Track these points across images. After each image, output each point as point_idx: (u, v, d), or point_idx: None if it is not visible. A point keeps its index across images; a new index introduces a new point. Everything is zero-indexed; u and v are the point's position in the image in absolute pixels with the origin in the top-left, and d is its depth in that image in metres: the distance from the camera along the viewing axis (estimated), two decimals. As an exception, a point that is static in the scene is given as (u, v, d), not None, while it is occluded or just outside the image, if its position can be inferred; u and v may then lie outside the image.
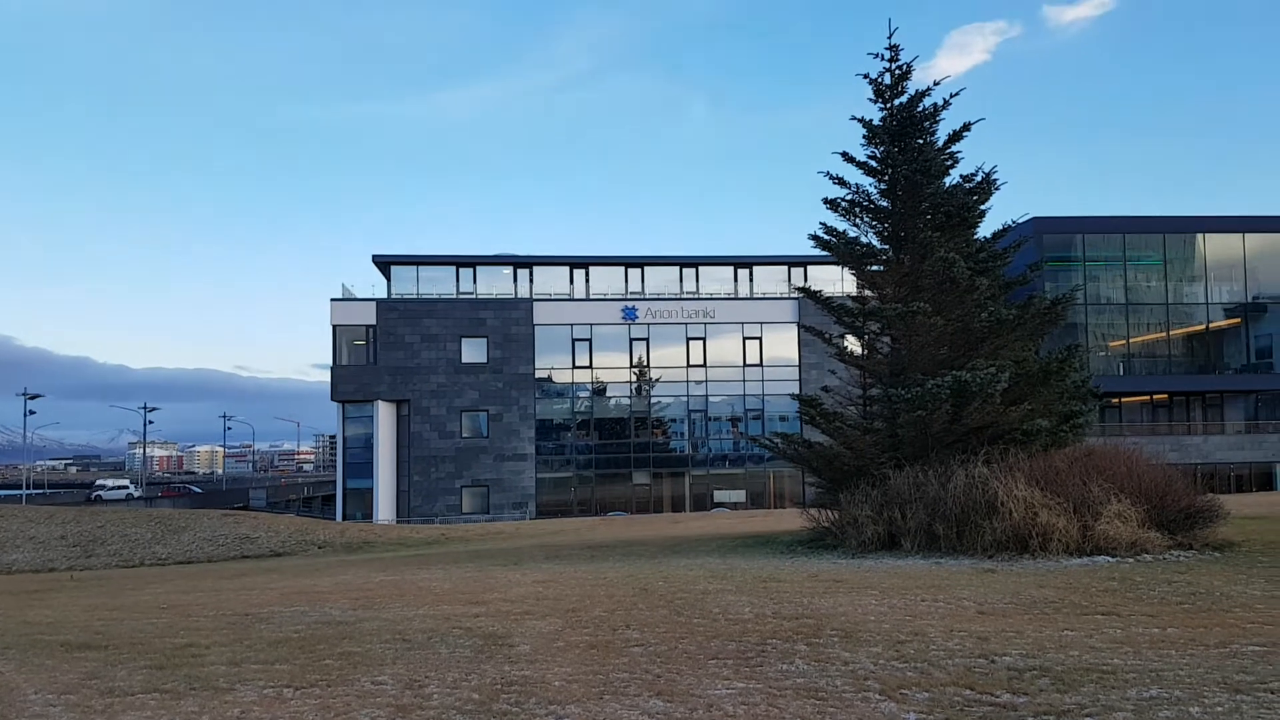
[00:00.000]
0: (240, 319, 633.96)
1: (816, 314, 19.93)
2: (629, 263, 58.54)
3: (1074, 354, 16.48)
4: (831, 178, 18.47)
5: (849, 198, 18.34)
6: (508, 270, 57.46)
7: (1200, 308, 54.25)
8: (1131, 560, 12.72)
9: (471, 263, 57.20)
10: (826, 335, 19.13)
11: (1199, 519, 14.01)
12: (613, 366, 56.85)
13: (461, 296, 56.26)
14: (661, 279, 58.67)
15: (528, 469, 55.14)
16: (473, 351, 55.22)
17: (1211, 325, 54.49)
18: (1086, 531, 13.41)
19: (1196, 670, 6.36)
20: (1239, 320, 54.53)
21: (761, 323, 56.79)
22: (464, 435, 54.77)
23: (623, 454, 56.50)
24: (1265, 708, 5.41)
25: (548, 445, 56.09)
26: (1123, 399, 55.58)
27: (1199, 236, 54.06)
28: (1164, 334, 54.16)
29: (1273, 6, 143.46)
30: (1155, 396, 55.92)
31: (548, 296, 56.99)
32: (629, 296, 57.46)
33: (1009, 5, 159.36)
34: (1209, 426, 54.61)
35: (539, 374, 55.89)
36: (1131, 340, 54.60)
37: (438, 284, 56.74)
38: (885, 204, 18.15)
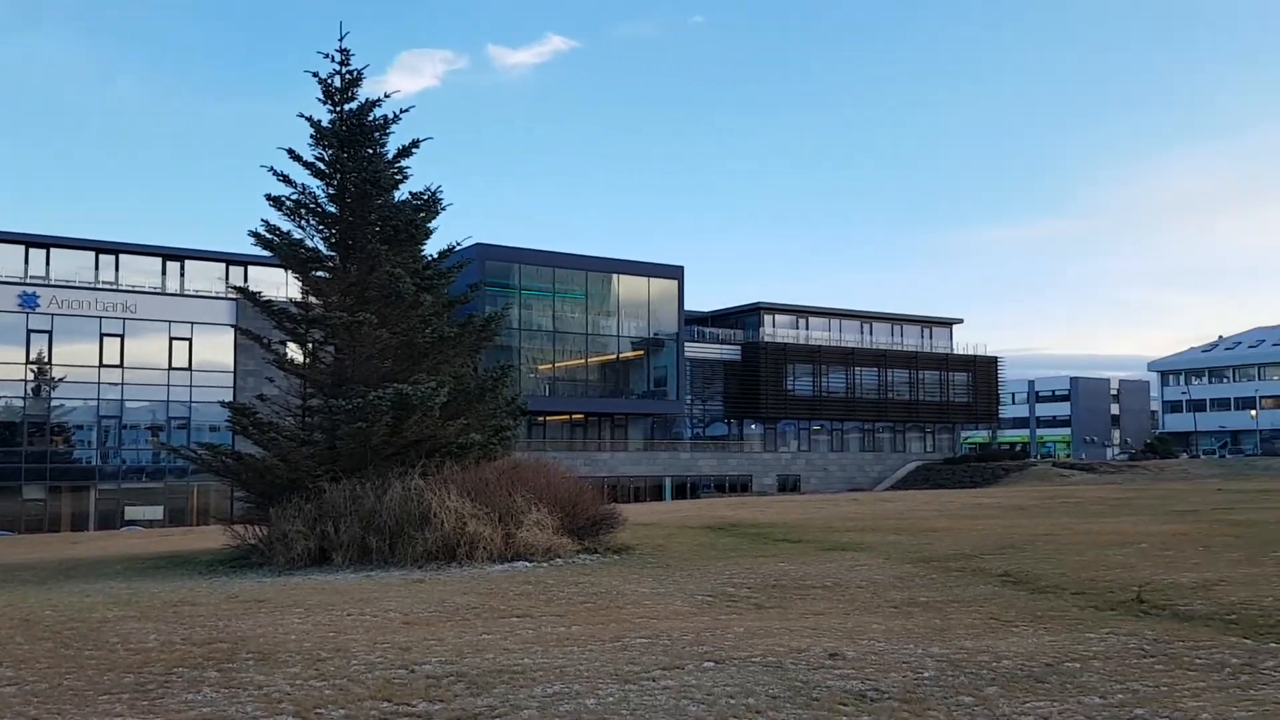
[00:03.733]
0: None
1: (257, 318, 18.83)
2: (31, 242, 50.24)
3: (507, 373, 17.59)
4: (277, 175, 17.62)
5: (295, 198, 17.64)
6: None
7: (614, 339, 61.64)
8: (546, 565, 13.80)
9: None
10: (266, 341, 18.13)
11: (603, 526, 15.70)
12: (4, 362, 48.26)
13: None
14: (72, 265, 51.21)
15: None
16: None
17: (621, 356, 62.21)
18: (509, 539, 14.29)
19: (594, 664, 6.99)
20: (643, 352, 63.02)
21: (193, 322, 52.24)
22: None
23: (12, 464, 48.10)
24: (648, 694, 6.10)
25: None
26: (547, 417, 60.92)
27: (615, 277, 61.49)
28: (584, 360, 60.58)
29: (679, 76, 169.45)
30: (574, 416, 62.21)
31: (-84, 274, 46.68)
32: (29, 281, 49.32)
33: (456, 37, 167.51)
34: (616, 444, 62.13)
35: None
36: (557, 364, 60.19)
37: None
38: (334, 210, 17.76)
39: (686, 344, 63.88)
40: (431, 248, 18.70)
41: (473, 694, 6.16)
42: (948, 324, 77.84)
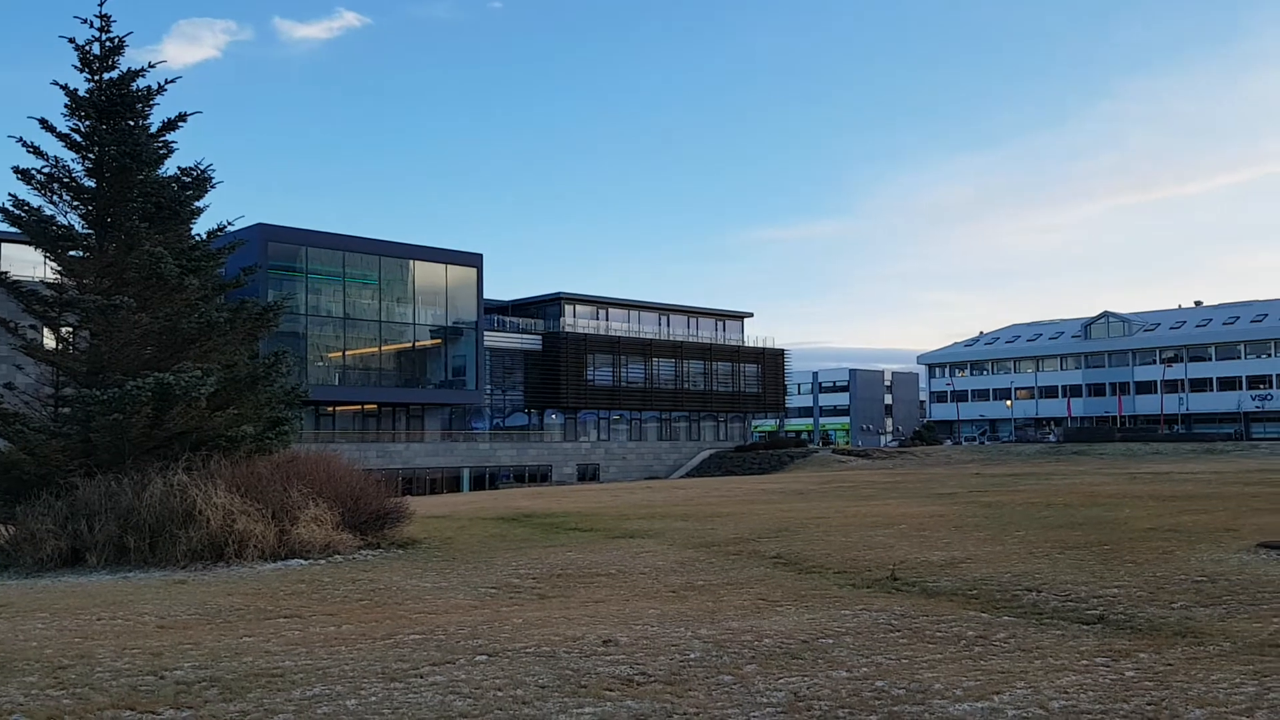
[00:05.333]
0: None
1: (5, 300, 17.11)
2: None
3: (281, 360, 16.71)
4: (27, 146, 16.07)
5: (47, 171, 16.13)
6: None
7: (410, 327, 60.06)
8: (324, 562, 13.28)
9: None
10: (14, 325, 16.52)
11: (388, 520, 15.27)
12: None
13: None
14: None
15: None
16: None
17: (418, 344, 60.73)
18: (284, 536, 13.64)
19: (361, 663, 6.77)
20: (440, 341, 61.78)
21: (-69, 304, 47.02)
22: None
23: None
24: (414, 691, 5.96)
25: None
26: (337, 408, 58.70)
27: (411, 263, 59.91)
28: (377, 349, 58.74)
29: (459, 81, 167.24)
30: (366, 406, 60.21)
31: None
32: None
33: (238, 6, 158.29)
34: (411, 435, 60.64)
35: None
36: (348, 353, 58.06)
37: None
38: (91, 184, 16.36)
39: (486, 333, 63.20)
40: (202, 227, 17.58)
41: (225, 699, 5.83)
42: (740, 317, 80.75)
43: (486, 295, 64.24)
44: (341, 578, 11.68)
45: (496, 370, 65.77)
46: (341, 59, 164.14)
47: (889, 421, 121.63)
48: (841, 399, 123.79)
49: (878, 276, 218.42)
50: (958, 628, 7.61)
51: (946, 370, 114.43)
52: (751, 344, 79.48)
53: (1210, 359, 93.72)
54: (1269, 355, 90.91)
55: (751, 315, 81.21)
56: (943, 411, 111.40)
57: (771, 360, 79.52)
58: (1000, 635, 7.32)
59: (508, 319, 68.58)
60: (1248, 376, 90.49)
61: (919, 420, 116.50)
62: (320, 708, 5.64)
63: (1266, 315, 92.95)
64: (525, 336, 67.67)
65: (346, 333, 57.52)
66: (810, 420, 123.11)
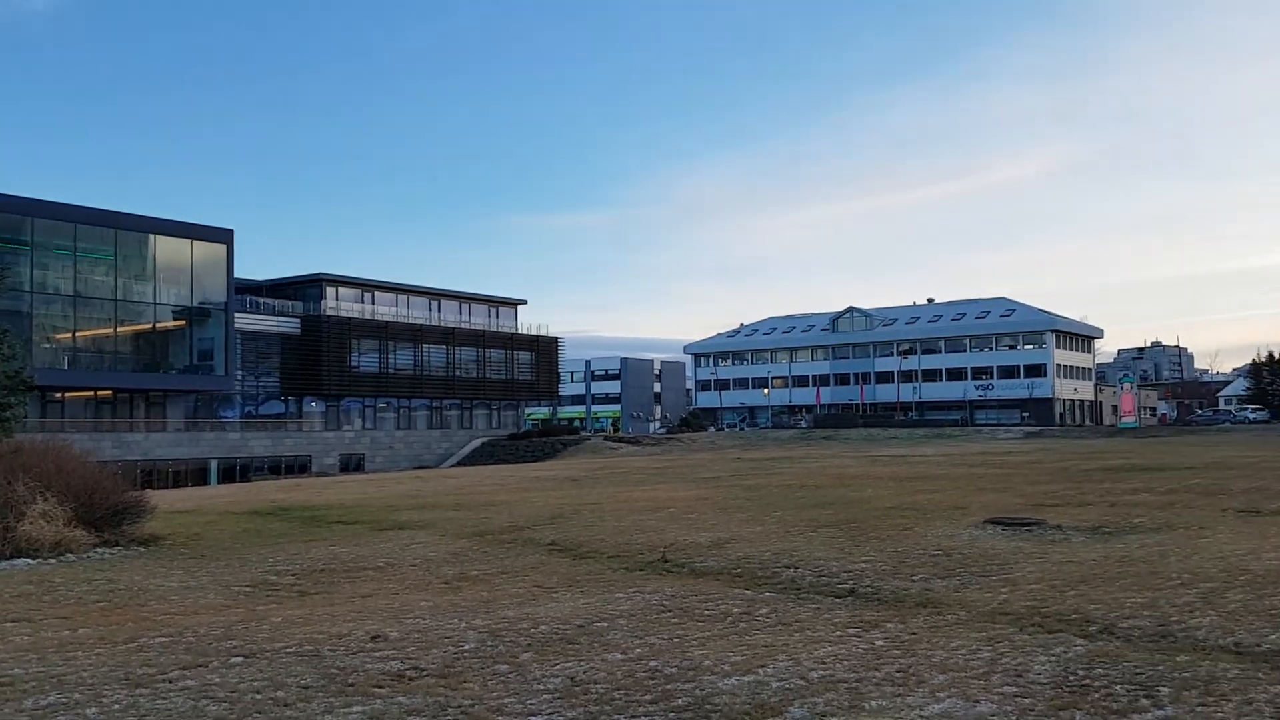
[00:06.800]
0: None
1: None
2: None
3: (2, 341, 14.99)
4: None
5: None
6: None
7: (150, 307, 55.42)
8: (55, 561, 12.04)
9: None
10: None
11: (127, 515, 14.03)
12: None
13: None
14: None
15: None
16: None
17: (159, 325, 56.15)
18: (8, 534, 12.27)
19: (101, 669, 6.18)
20: (185, 322, 57.39)
21: None
22: None
23: None
24: (161, 697, 5.50)
25: None
26: (66, 394, 53.43)
27: (151, 238, 55.22)
28: (112, 330, 53.86)
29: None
30: (100, 392, 55.11)
31: None
32: None
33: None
34: (151, 424, 56.08)
35: None
36: (79, 334, 52.94)
37: None
38: None
39: (238, 315, 59.41)
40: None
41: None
42: (513, 304, 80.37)
43: (240, 275, 60.50)
44: (76, 578, 10.62)
45: (250, 355, 62.08)
46: (68, 16, 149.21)
47: (658, 409, 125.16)
48: (613, 387, 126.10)
49: (646, 267, 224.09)
50: (724, 605, 7.91)
51: (711, 360, 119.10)
52: (525, 331, 79.37)
53: (940, 351, 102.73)
54: (990, 349, 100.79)
55: (525, 303, 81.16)
56: (708, 399, 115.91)
57: (545, 348, 79.73)
58: (763, 611, 7.68)
59: (263, 300, 64.84)
60: (972, 368, 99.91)
61: (685, 408, 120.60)
62: (58, 716, 5.11)
63: (989, 312, 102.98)
64: (283, 319, 64.26)
65: (78, 312, 52.45)
66: (583, 408, 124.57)
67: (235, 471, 56.18)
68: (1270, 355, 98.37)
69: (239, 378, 60.63)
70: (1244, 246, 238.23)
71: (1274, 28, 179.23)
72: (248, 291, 63.97)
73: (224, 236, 58.41)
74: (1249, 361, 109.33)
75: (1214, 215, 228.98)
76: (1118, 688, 5.24)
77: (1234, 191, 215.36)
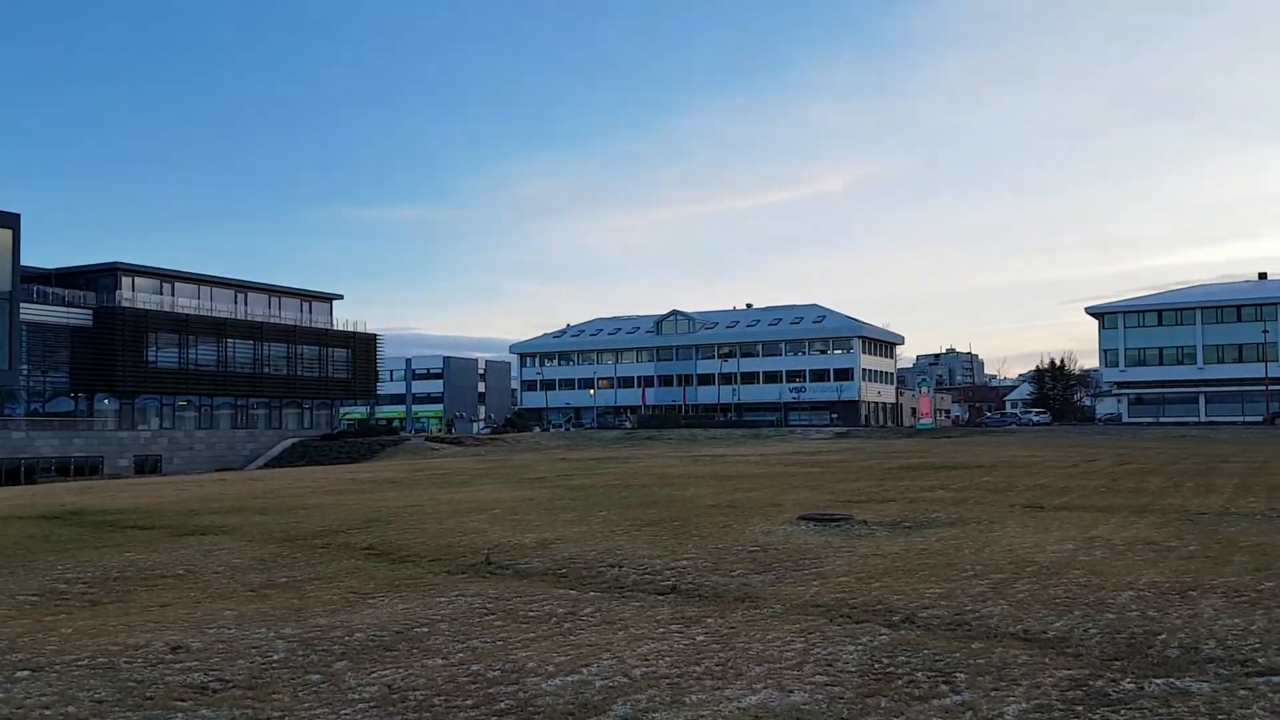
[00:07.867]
0: None
1: None
2: None
3: None
4: None
5: None
6: None
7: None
8: None
9: None
10: None
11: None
12: None
13: None
14: None
15: None
16: None
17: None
18: None
19: None
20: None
21: None
22: None
23: None
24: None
25: None
26: None
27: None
28: (-128, 318, 48.43)
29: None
30: None
31: None
32: None
33: None
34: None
35: None
36: None
37: None
38: None
39: (23, 305, 54.64)
40: None
41: None
42: (328, 299, 77.51)
43: (26, 263, 55.68)
44: None
45: (35, 348, 57.28)
46: None
47: (482, 409, 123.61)
48: (435, 386, 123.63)
49: (470, 265, 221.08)
50: (549, 606, 7.88)
51: (537, 360, 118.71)
52: (341, 327, 76.68)
53: (758, 355, 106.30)
54: (803, 353, 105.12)
55: (341, 298, 78.50)
56: (533, 399, 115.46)
57: (362, 345, 77.30)
58: (587, 610, 7.69)
59: (50, 290, 59.97)
60: (787, 371, 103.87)
61: (511, 408, 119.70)
62: None
63: (802, 318, 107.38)
64: (73, 310, 59.64)
65: None
66: (403, 408, 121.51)
67: (19, 473, 51.78)
68: (1052, 362, 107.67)
69: (24, 372, 55.80)
70: (1033, 260, 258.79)
71: (1071, 56, 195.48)
72: (34, 280, 58.94)
73: (10, 221, 53.58)
74: (1033, 368, 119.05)
75: (1008, 231, 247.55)
76: (919, 674, 5.55)
77: (1027, 208, 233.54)
